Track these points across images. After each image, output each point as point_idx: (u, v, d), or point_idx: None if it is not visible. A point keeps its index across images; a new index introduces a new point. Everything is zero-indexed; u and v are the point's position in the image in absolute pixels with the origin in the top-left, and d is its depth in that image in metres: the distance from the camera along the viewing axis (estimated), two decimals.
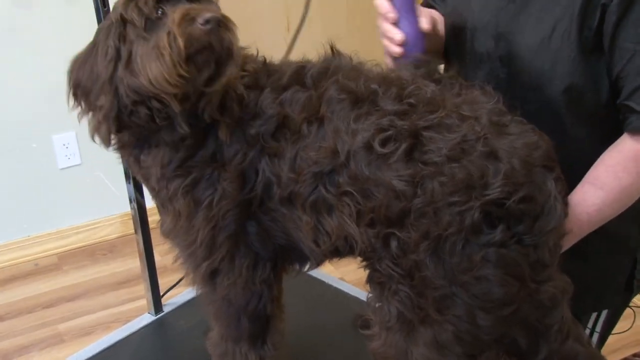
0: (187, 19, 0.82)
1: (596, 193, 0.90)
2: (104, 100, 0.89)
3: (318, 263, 1.01)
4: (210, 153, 0.92)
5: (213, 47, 0.84)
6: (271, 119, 0.90)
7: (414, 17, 1.00)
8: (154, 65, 0.83)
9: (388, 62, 1.04)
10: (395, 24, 1.00)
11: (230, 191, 0.92)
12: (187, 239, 0.97)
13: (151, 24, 0.85)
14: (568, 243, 0.88)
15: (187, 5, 0.85)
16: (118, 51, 0.87)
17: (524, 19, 0.98)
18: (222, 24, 0.84)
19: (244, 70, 0.92)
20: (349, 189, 0.83)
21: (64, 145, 2.38)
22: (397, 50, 1.00)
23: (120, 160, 1.03)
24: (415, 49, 0.99)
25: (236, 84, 0.90)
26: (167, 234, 1.01)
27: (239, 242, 0.96)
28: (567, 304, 0.86)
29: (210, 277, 1.00)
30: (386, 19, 1.00)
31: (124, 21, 0.87)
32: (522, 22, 0.98)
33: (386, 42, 1.02)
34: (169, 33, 0.82)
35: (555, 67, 0.96)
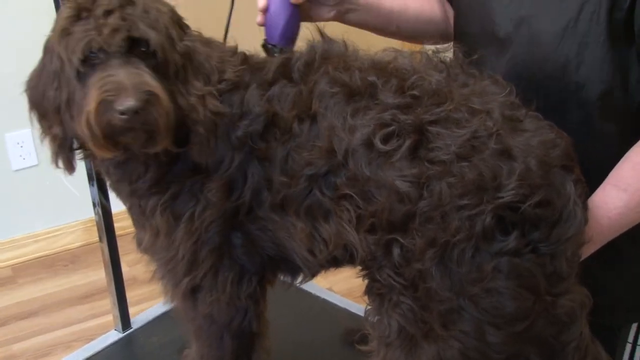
0: (104, 104, 0.81)
1: (619, 195, 0.89)
2: (57, 130, 0.90)
3: (313, 274, 1.00)
4: (191, 165, 0.92)
5: (135, 129, 0.84)
6: (259, 117, 0.89)
7: None
8: (84, 129, 0.84)
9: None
10: None
11: (215, 201, 0.92)
12: (167, 255, 0.97)
13: (83, 74, 0.85)
14: (587, 252, 0.87)
15: (106, 77, 0.82)
16: (59, 86, 0.87)
17: (545, 0, 0.97)
18: (143, 109, 0.82)
19: (222, 81, 0.91)
20: (348, 191, 0.82)
21: (18, 144, 2.35)
22: (259, 19, 1.01)
23: (82, 160, 1.00)
24: (278, 20, 1.00)
25: (204, 107, 0.89)
26: (145, 250, 1.01)
27: (223, 255, 0.96)
28: (585, 319, 0.85)
29: (192, 294, 0.99)
30: None
31: (60, 59, 0.86)
32: (544, 4, 0.97)
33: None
34: (87, 116, 0.82)
35: (582, 54, 0.94)
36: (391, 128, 0.80)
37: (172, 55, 0.87)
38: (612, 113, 0.97)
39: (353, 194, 0.82)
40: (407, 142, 0.79)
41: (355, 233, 0.83)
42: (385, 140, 0.80)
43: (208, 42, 0.95)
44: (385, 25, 1.16)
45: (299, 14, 1.02)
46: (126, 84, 0.81)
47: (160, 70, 0.86)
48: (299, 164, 0.86)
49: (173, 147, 0.89)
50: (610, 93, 0.96)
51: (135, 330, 1.42)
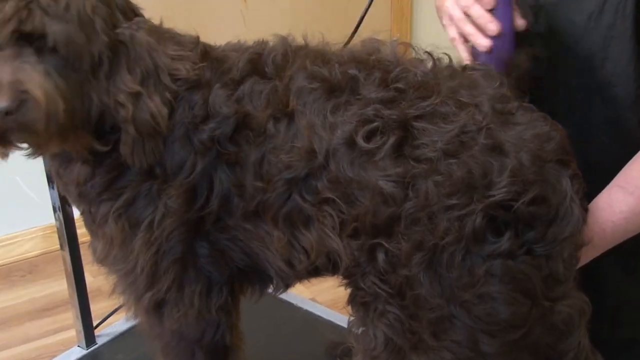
0: None
1: (625, 199, 0.89)
2: None
3: (286, 286, 1.00)
4: (146, 168, 0.91)
5: (13, 129, 0.84)
6: (227, 119, 0.89)
7: (510, 9, 0.96)
8: None
9: (463, 56, 0.99)
10: (491, 11, 0.95)
11: (175, 208, 0.91)
12: (125, 267, 0.97)
13: None
14: (587, 256, 0.88)
15: None
16: None
17: None
18: (17, 109, 0.82)
19: (177, 80, 0.89)
20: (330, 195, 0.82)
21: None
22: (485, 43, 0.94)
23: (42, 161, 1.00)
24: (505, 46, 0.95)
25: (134, 106, 0.88)
26: (100, 261, 1.00)
27: (188, 266, 0.95)
28: (585, 328, 0.86)
29: (156, 309, 0.98)
30: (482, 2, 0.95)
31: None
32: None
33: (470, 30, 0.96)
34: None
35: (607, 48, 0.94)
36: (374, 124, 0.80)
37: (89, 47, 0.86)
38: (638, 110, 0.96)
39: (335, 198, 0.82)
40: (391, 139, 0.79)
41: (339, 239, 0.83)
42: (369, 137, 0.80)
43: (159, 33, 0.92)
44: None
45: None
46: (3, 83, 0.81)
47: (67, 64, 0.85)
48: (276, 167, 0.86)
49: (99, 146, 0.89)
50: (637, 91, 0.95)
51: (100, 346, 1.42)
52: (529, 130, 0.80)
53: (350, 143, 0.81)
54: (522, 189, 0.76)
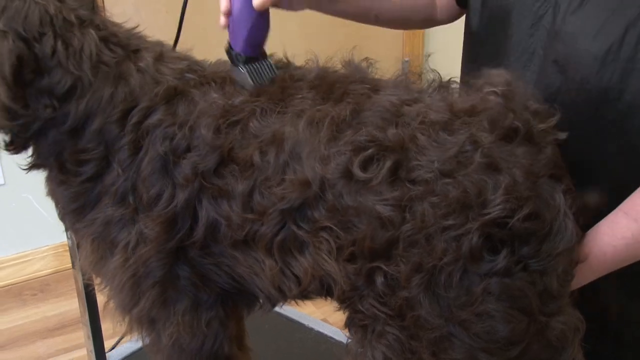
0: None
1: (629, 224, 0.89)
2: None
3: (274, 306, 1.00)
4: (120, 190, 0.92)
5: None
6: (211, 153, 0.88)
7: None
8: None
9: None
10: None
11: (153, 237, 0.91)
12: (107, 283, 0.98)
13: None
14: (585, 278, 0.88)
15: None
16: None
17: (586, 16, 0.95)
18: None
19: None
20: (327, 223, 0.83)
21: None
22: (221, 20, 0.98)
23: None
24: (242, 25, 0.97)
25: None
26: (84, 270, 1.02)
27: (167, 288, 0.95)
28: (579, 345, 0.86)
29: (149, 324, 0.99)
30: None
31: None
32: (584, 21, 0.95)
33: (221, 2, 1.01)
34: None
35: (626, 80, 0.93)
36: (369, 152, 0.80)
37: None
38: None
39: (332, 226, 0.82)
40: (387, 163, 0.79)
41: (335, 263, 0.83)
42: (364, 167, 0.80)
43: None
44: (364, 13, 1.16)
45: (267, 18, 0.99)
46: None
47: None
48: (269, 199, 0.85)
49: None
50: None
51: None
52: (520, 145, 0.80)
53: (347, 175, 0.81)
54: (516, 205, 0.76)
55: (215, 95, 0.91)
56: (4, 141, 0.95)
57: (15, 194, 2.39)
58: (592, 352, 0.89)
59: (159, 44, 1.00)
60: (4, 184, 2.38)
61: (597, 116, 0.95)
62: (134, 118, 0.91)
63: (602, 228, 0.89)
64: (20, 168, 0.98)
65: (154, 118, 0.90)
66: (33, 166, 0.98)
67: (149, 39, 1.01)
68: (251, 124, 0.88)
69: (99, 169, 0.93)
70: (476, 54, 1.11)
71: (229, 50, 0.98)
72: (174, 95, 0.92)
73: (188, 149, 0.89)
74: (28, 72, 0.89)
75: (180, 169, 0.89)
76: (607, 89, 0.94)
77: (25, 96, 0.90)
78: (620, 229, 0.89)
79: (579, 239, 0.83)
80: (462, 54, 1.16)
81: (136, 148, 0.91)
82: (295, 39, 2.30)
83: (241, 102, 0.89)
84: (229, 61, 0.98)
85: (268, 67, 0.96)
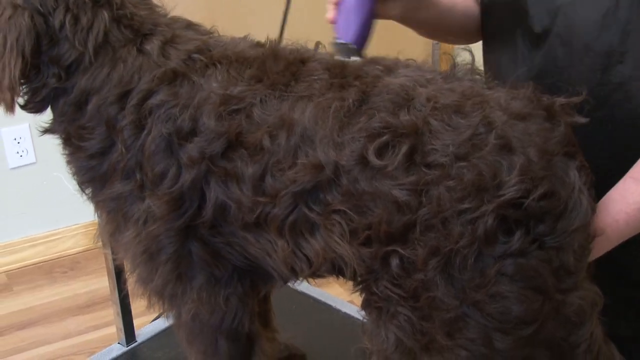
0: None
1: (638, 190, 0.89)
2: None
3: (287, 282, 1.02)
4: (127, 167, 0.93)
5: None
6: (217, 139, 0.89)
7: None
8: None
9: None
10: None
11: (161, 214, 0.92)
12: (123, 254, 1.00)
13: None
14: (601, 248, 0.88)
15: None
16: None
17: None
18: None
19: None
20: (340, 207, 0.83)
21: (15, 140, 2.38)
22: (329, 13, 0.99)
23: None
24: (355, 16, 0.97)
25: None
26: (104, 240, 1.05)
27: (180, 264, 0.96)
28: (597, 319, 0.87)
29: (169, 299, 1.01)
30: None
31: None
32: None
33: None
34: None
35: (626, 42, 0.95)
36: (384, 138, 0.80)
37: None
38: None
39: (346, 209, 0.83)
40: (403, 149, 0.79)
41: (348, 246, 0.84)
42: (380, 153, 0.80)
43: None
44: (438, 23, 1.15)
45: (374, 10, 0.99)
46: None
47: None
48: (281, 182, 0.86)
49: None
50: None
51: (140, 343, 1.43)
52: (534, 124, 0.80)
53: (363, 161, 0.82)
54: (531, 185, 0.76)
55: (214, 84, 0.91)
56: (23, 99, 1.00)
57: (46, 172, 2.42)
58: (616, 326, 0.90)
59: (180, 24, 1.00)
60: (35, 163, 2.42)
61: (604, 81, 0.96)
62: (133, 100, 0.93)
63: (612, 195, 0.90)
64: (40, 133, 1.01)
65: (157, 98, 0.92)
66: (46, 130, 1.02)
67: (179, 20, 1.01)
68: (255, 111, 0.88)
69: (103, 147, 0.96)
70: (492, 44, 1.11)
71: (338, 43, 0.98)
72: (174, 78, 0.92)
73: (193, 132, 0.90)
74: (45, 43, 0.94)
75: (185, 150, 0.90)
76: (609, 52, 0.95)
77: (38, 63, 0.95)
78: (631, 195, 0.89)
79: (594, 214, 0.83)
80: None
81: (139, 128, 0.93)
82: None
83: (240, 92, 0.89)
84: (337, 54, 0.97)
85: None
